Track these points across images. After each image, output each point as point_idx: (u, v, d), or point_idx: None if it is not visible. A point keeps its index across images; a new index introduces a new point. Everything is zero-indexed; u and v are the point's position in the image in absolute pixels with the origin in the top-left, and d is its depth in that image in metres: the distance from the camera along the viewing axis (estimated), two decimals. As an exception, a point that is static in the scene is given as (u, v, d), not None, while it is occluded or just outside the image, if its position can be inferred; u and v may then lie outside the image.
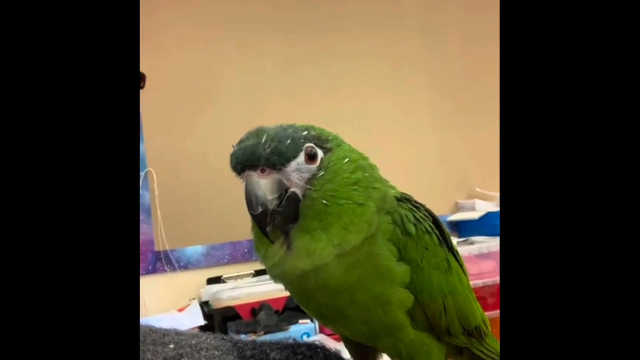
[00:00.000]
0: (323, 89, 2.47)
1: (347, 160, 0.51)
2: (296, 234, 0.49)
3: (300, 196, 0.49)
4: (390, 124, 2.58)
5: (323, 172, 0.49)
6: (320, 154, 0.50)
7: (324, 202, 0.48)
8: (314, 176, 0.49)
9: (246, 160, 0.48)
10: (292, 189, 0.49)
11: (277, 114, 2.27)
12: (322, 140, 0.51)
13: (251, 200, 0.49)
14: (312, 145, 0.50)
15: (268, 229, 0.49)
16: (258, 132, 0.49)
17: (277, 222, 0.49)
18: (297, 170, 0.49)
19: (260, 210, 0.48)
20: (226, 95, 2.32)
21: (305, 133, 0.50)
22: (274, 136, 0.49)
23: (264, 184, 0.48)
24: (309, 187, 0.49)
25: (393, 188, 0.56)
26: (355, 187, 0.50)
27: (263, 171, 0.48)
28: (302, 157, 0.49)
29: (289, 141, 0.49)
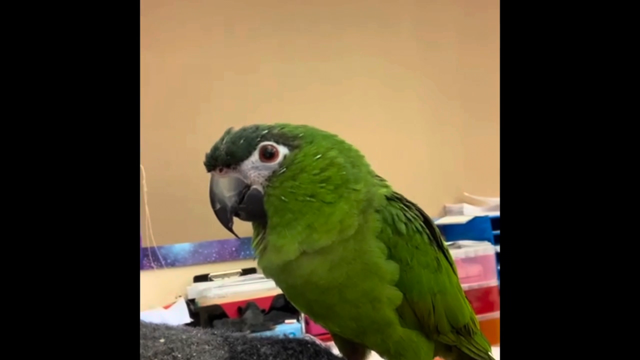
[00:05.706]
0: (315, 90, 2.48)
1: (318, 157, 0.51)
2: (268, 230, 0.51)
3: (262, 193, 0.50)
4: (380, 126, 2.59)
5: (284, 169, 0.50)
6: (282, 151, 0.51)
7: (283, 198, 0.49)
8: (274, 173, 0.50)
9: (207, 161, 0.52)
10: (253, 186, 0.51)
11: (269, 113, 2.27)
12: (287, 138, 0.51)
13: (211, 197, 0.52)
14: (269, 143, 0.51)
15: (230, 224, 0.52)
16: (224, 134, 0.52)
17: (242, 218, 0.52)
18: (254, 168, 0.51)
19: (219, 206, 0.52)
20: (218, 93, 2.32)
21: (265, 132, 0.51)
22: (231, 137, 0.51)
23: (222, 182, 0.52)
24: (268, 183, 0.50)
25: (386, 186, 0.56)
26: (324, 185, 0.50)
27: (221, 170, 0.51)
28: (256, 156, 0.51)
29: (242, 141, 0.50)
